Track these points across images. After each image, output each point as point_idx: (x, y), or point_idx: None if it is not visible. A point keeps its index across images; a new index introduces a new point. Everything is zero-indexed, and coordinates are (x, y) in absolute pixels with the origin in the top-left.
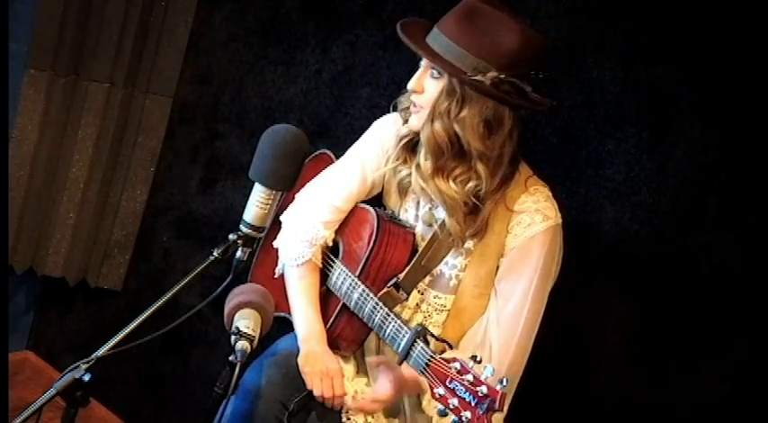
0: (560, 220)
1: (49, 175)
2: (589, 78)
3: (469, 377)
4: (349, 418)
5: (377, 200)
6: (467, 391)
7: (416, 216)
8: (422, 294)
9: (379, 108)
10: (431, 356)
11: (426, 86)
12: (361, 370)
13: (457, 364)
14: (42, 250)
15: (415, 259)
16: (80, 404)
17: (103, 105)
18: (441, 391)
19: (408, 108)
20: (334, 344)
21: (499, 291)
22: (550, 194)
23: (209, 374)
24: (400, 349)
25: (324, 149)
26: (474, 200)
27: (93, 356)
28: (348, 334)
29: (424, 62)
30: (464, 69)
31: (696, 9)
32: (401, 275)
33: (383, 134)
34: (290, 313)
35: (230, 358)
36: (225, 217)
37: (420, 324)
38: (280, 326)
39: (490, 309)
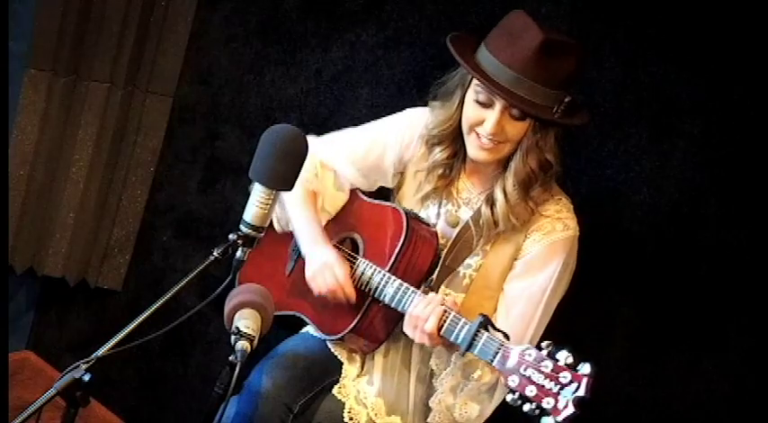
0: (578, 233)
1: (49, 175)
2: (589, 78)
3: (548, 364)
4: (351, 418)
5: (380, 194)
6: (547, 378)
7: (438, 214)
8: (432, 290)
9: (379, 108)
10: (501, 344)
11: (504, 125)
12: (365, 370)
13: (531, 352)
14: (42, 250)
15: (441, 260)
16: (80, 404)
17: (103, 105)
18: (515, 378)
19: (445, 140)
20: (355, 344)
21: (509, 290)
22: (572, 206)
23: (209, 374)
24: (460, 340)
25: None
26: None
27: (93, 356)
28: (374, 331)
29: (499, 106)
30: (550, 105)
31: (696, 9)
32: (433, 277)
33: (411, 130)
34: (288, 311)
35: (230, 358)
36: (225, 217)
37: (483, 314)
38: (280, 326)
39: (499, 308)
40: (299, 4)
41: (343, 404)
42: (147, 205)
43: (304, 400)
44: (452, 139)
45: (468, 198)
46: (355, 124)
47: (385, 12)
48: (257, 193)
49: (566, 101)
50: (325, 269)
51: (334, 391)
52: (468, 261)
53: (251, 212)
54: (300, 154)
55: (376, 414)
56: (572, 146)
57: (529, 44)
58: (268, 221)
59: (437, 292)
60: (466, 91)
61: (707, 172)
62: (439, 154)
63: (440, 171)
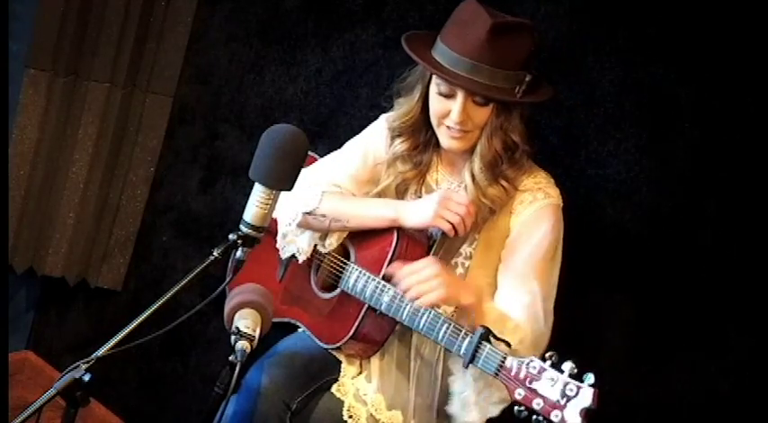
0: (561, 203)
1: (49, 175)
2: (589, 78)
3: (552, 375)
4: (351, 416)
5: None
6: (553, 390)
7: None
8: None
9: (379, 108)
10: (503, 357)
11: (470, 113)
12: (364, 370)
13: (535, 364)
14: (42, 250)
15: (431, 255)
16: (80, 404)
17: (103, 105)
18: (521, 391)
19: (405, 132)
20: (353, 350)
21: (505, 259)
22: (552, 180)
23: (209, 374)
24: (462, 351)
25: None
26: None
27: (93, 356)
28: (372, 337)
29: (461, 95)
30: (511, 87)
31: (696, 9)
32: None
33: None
34: (283, 317)
35: (230, 358)
36: (225, 217)
37: (482, 325)
38: (283, 329)
39: (500, 279)
40: (299, 4)
41: (342, 402)
42: (147, 205)
43: (302, 397)
44: (412, 131)
45: (448, 188)
46: (355, 124)
47: (385, 12)
48: (257, 193)
49: (527, 80)
50: (443, 202)
51: (333, 389)
52: (460, 250)
53: (251, 212)
54: (301, 154)
55: (376, 410)
56: (572, 146)
57: (479, 30)
58: (268, 221)
59: None
60: (428, 85)
61: (707, 172)
62: (399, 146)
63: (401, 166)
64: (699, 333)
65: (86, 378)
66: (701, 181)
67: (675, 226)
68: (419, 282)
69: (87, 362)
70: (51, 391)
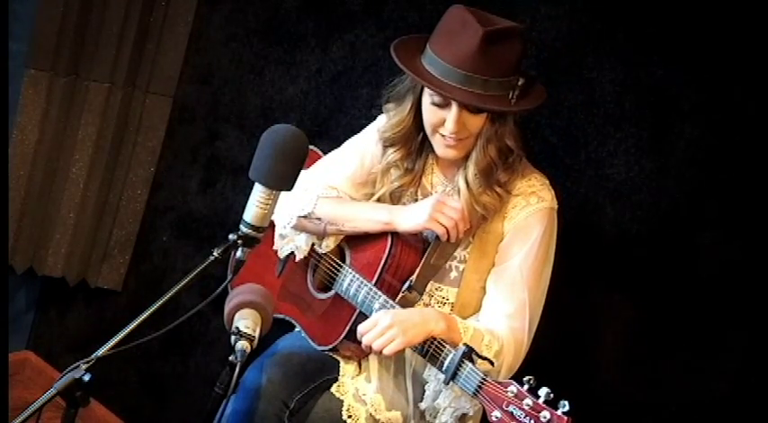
0: (556, 206)
1: (49, 175)
2: (589, 78)
3: (528, 402)
4: (350, 416)
5: None
6: (527, 416)
7: None
8: (416, 290)
9: (379, 108)
10: (483, 378)
11: (465, 121)
12: (362, 369)
13: (513, 388)
14: (42, 250)
15: (424, 259)
16: (80, 404)
17: (103, 105)
18: (497, 414)
19: (397, 142)
20: (348, 350)
21: (497, 264)
22: (547, 182)
23: (209, 374)
24: (444, 368)
25: (311, 147)
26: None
27: (93, 356)
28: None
29: (455, 105)
30: (505, 93)
31: (696, 9)
32: (413, 278)
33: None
34: (280, 314)
35: (230, 358)
36: (225, 217)
37: (465, 344)
38: (280, 326)
39: (489, 284)
40: (298, 4)
41: (342, 402)
42: (147, 205)
43: (300, 395)
44: (405, 141)
45: (443, 191)
46: (355, 124)
47: (385, 12)
48: (257, 193)
49: (519, 84)
50: (438, 206)
51: (333, 389)
52: (454, 254)
53: (251, 212)
54: (301, 154)
55: (375, 410)
56: (572, 146)
57: (471, 40)
58: (268, 221)
59: (422, 293)
60: (420, 95)
61: (707, 172)
62: (392, 155)
63: (395, 174)
64: (698, 333)
65: (86, 378)
66: (700, 181)
67: (675, 226)
68: (377, 336)
69: (87, 362)
70: (51, 391)
